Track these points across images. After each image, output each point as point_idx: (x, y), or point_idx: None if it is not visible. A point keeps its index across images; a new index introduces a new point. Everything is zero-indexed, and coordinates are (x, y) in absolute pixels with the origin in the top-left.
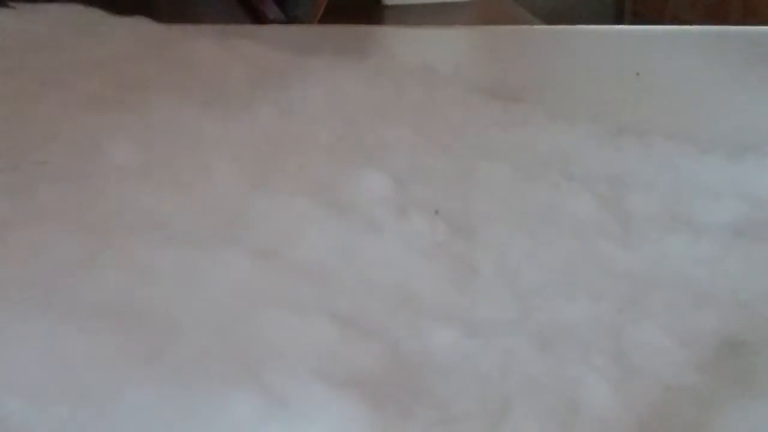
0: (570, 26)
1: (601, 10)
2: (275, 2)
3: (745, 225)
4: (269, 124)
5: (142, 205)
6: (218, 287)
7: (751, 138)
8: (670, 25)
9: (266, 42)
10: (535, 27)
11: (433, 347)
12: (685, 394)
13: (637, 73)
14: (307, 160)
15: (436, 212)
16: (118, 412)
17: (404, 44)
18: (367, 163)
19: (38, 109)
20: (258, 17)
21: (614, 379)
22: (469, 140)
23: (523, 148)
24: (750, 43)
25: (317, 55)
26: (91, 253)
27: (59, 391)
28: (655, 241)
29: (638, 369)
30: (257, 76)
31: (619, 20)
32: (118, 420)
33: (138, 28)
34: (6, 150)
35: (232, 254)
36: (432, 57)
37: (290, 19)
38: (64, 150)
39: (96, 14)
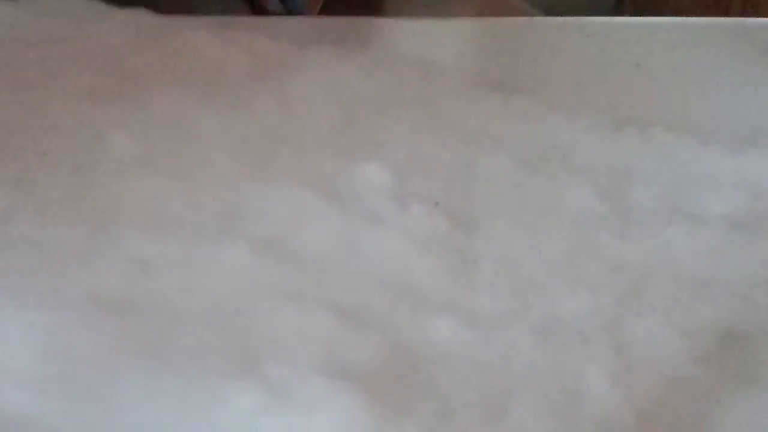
0: (570, 18)
1: (601, 2)
2: None
3: (745, 216)
4: (268, 116)
5: (141, 196)
6: (218, 279)
7: (752, 129)
8: (671, 17)
9: (265, 33)
10: (535, 19)
11: (433, 339)
12: (685, 386)
13: (637, 65)
14: (306, 152)
15: (436, 204)
16: (118, 404)
17: (404, 36)
18: (366, 155)
19: (38, 101)
20: (257, 8)
21: (614, 370)
22: (468, 132)
23: (523, 140)
24: (750, 35)
25: (317, 47)
26: (90, 245)
27: (59, 383)
28: (656, 233)
29: (638, 361)
30: (256, 68)
31: (619, 12)
32: (118, 412)
33: (137, 19)
34: (6, 141)
35: (231, 246)
36: (432, 49)
37: (289, 10)
38: (63, 141)
39: (96, 6)
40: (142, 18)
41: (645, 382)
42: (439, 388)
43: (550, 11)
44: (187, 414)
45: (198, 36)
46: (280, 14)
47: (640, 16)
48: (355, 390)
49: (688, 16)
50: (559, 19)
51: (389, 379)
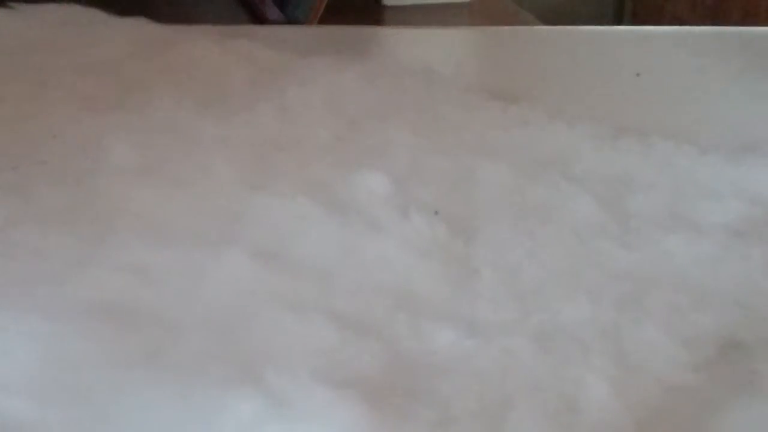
0: (570, 27)
1: (600, 11)
2: (275, 3)
3: (744, 225)
4: (269, 125)
5: (141, 205)
6: (218, 287)
7: (751, 138)
8: (670, 25)
9: (266, 42)
10: (535, 28)
11: (433, 347)
12: (685, 394)
13: (637, 74)
14: (306, 161)
15: (436, 212)
16: (118, 412)
17: (404, 45)
18: (366, 163)
19: (38, 110)
20: (258, 18)
21: (614, 379)
22: (468, 141)
23: (523, 148)
24: (749, 44)
25: (317, 56)
26: (90, 253)
27: (59, 391)
28: (655, 241)
29: (638, 369)
30: (257, 77)
31: (618, 21)
32: (118, 420)
33: (137, 28)
34: (6, 150)
35: (231, 254)
36: (432, 57)
37: (290, 19)
38: (63, 150)
39: (96, 15)
40: (142, 27)
41: (644, 390)
42: (438, 396)
43: (549, 20)
44: (186, 423)
45: (198, 45)
46: (281, 23)
47: (640, 25)
48: (355, 398)
49: (687, 25)
50: (559, 28)
51: (389, 387)
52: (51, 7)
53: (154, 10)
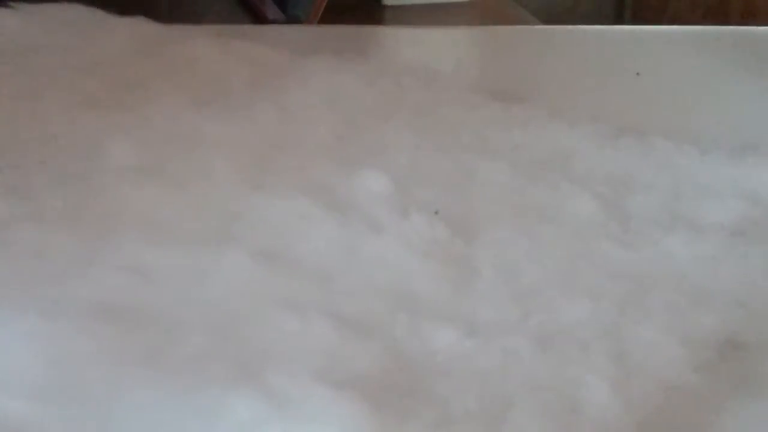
0: (570, 26)
1: (601, 11)
2: (275, 2)
3: (745, 225)
4: (269, 124)
5: (141, 205)
6: (218, 287)
7: (751, 138)
8: (670, 25)
9: (266, 42)
10: (535, 27)
11: (433, 347)
12: (685, 394)
13: (637, 74)
14: (306, 161)
15: (436, 212)
16: (118, 412)
17: (404, 44)
18: (366, 163)
19: (38, 109)
20: (257, 17)
21: (614, 379)
22: (469, 140)
23: (523, 148)
24: (750, 44)
25: (317, 56)
26: (90, 253)
27: (59, 391)
28: (656, 241)
29: (638, 369)
30: (257, 77)
31: (619, 20)
32: (118, 420)
33: (137, 28)
34: (5, 150)
35: (231, 254)
36: (432, 57)
37: (290, 19)
38: (63, 150)
39: (95, 14)
40: (142, 27)
41: (645, 390)
42: (438, 396)
43: (549, 20)
44: (186, 423)
45: (198, 45)
46: (280, 23)
47: (640, 24)
48: (355, 399)
49: (687, 24)
50: (559, 28)
51: (389, 387)
52: (51, 7)
53: (154, 10)
